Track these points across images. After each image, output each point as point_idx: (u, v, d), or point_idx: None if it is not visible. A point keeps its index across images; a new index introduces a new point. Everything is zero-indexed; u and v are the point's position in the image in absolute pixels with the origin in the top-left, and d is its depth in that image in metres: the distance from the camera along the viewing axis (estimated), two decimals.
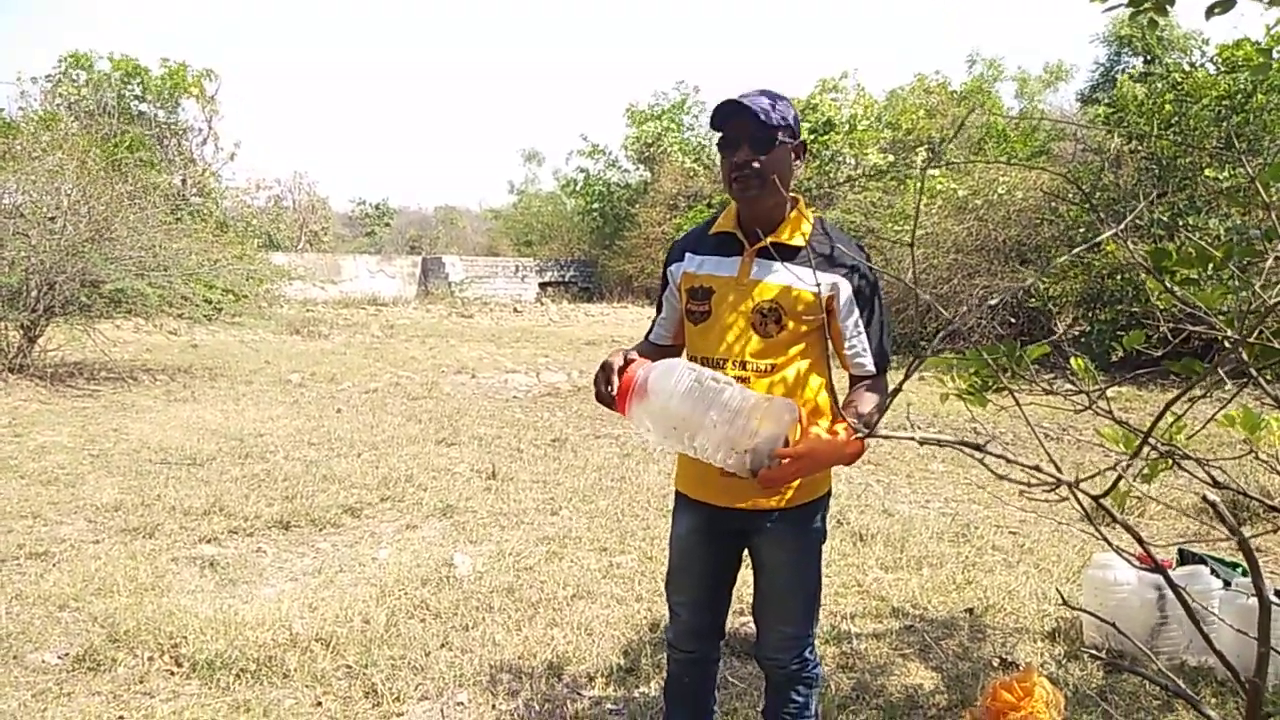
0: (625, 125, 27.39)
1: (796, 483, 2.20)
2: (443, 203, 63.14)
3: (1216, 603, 3.19)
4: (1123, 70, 19.98)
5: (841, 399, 2.11)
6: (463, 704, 3.08)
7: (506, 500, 5.56)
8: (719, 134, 2.05)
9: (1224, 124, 10.88)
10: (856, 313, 2.04)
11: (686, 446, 1.84)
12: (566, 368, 12.35)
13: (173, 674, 3.25)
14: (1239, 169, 10.70)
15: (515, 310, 22.71)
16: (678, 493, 2.33)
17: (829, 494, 2.21)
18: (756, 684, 3.15)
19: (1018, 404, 1.92)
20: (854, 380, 2.10)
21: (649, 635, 3.52)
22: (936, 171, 14.21)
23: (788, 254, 2.04)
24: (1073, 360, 2.38)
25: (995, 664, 3.28)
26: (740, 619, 3.39)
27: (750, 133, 1.97)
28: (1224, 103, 10.89)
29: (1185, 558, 3.86)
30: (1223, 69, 10.99)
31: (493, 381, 11.09)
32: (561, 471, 6.35)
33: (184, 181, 24.20)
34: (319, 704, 3.09)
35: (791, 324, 2.03)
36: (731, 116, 2.00)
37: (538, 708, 3.01)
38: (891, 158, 20.94)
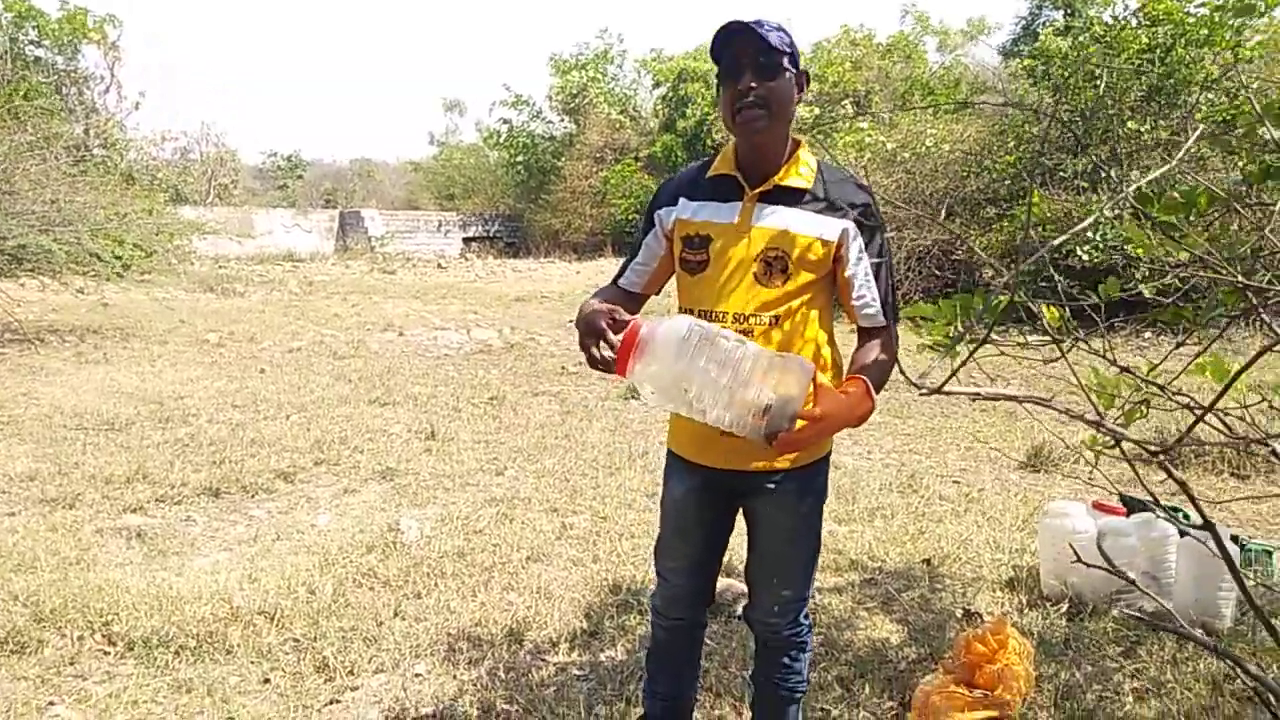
0: (549, 75, 26.90)
1: None
2: (358, 155, 61.34)
3: (1172, 549, 3.24)
4: (1044, 24, 20.26)
5: (846, 354, 2.02)
6: (421, 675, 2.95)
7: (449, 461, 5.40)
8: (717, 64, 1.90)
9: (1144, 77, 11.08)
10: (866, 260, 1.92)
11: (694, 410, 1.70)
12: (497, 324, 12.12)
13: (106, 654, 3.05)
14: (1160, 122, 10.94)
15: (439, 266, 22.21)
16: (671, 454, 2.20)
17: (830, 450, 2.11)
18: (730, 644, 3.10)
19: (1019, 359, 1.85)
20: (862, 333, 1.97)
21: (610, 597, 3.43)
22: (865, 124, 14.24)
23: (792, 197, 1.91)
24: (1044, 310, 2.35)
25: (959, 615, 3.28)
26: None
27: (754, 58, 1.83)
28: (1144, 56, 11.08)
29: (1129, 503, 3.92)
30: (1144, 22, 11.16)
31: (422, 339, 10.81)
32: (503, 430, 6.20)
33: (87, 132, 22.92)
34: (267, 680, 2.93)
35: (797, 273, 1.90)
36: (733, 40, 1.85)
37: (502, 675, 2.90)
38: (817, 110, 20.93)
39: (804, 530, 2.06)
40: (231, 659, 3.04)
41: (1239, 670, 1.60)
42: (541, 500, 4.64)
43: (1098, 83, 11.51)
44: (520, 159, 27.00)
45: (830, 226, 1.89)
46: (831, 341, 2.02)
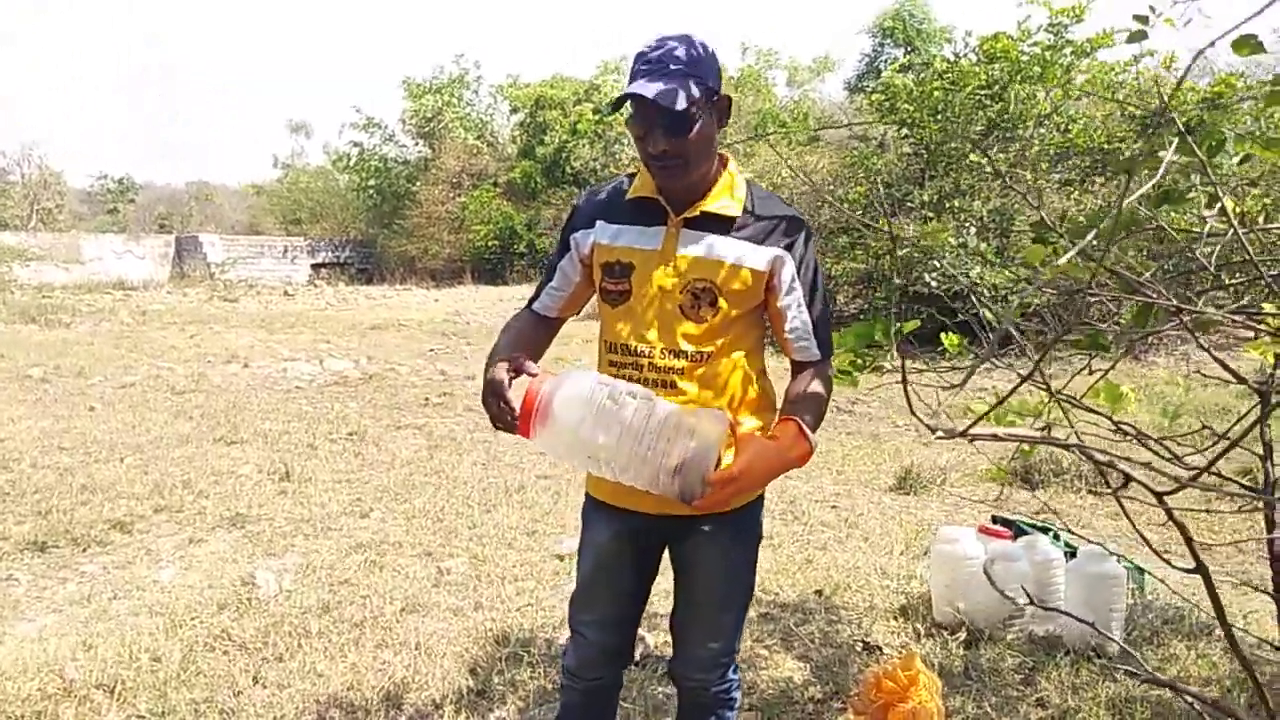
0: (403, 99, 26.16)
1: None
2: (195, 178, 58.43)
3: (1060, 572, 3.27)
4: (886, 61, 21.23)
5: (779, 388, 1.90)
6: None
7: (307, 504, 5.01)
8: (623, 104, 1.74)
9: (984, 111, 11.69)
10: (799, 290, 1.79)
11: (605, 472, 1.57)
12: (353, 354, 11.59)
13: None
14: (999, 154, 11.55)
15: (286, 294, 21.21)
16: (591, 498, 2.03)
17: (763, 492, 1.95)
18: (643, 703, 2.92)
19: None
20: (795, 366, 1.85)
21: (496, 650, 3.19)
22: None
23: (721, 224, 1.76)
24: (945, 338, 2.31)
25: (859, 648, 3.21)
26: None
27: (662, 122, 1.66)
28: (983, 91, 11.70)
29: (999, 524, 3.97)
30: (982, 59, 11.79)
31: (269, 371, 10.20)
32: (365, 468, 5.84)
33: None
34: None
35: (726, 305, 1.76)
36: (637, 108, 1.69)
37: None
38: None
39: (737, 577, 1.91)
40: None
41: (1183, 696, 1.55)
42: (413, 544, 4.34)
43: (939, 117, 12.07)
44: (372, 183, 26.19)
45: (760, 255, 1.76)
46: (764, 374, 1.89)
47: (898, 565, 4.09)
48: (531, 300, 1.98)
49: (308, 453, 6.25)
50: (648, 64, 1.66)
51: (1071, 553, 3.45)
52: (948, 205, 11.78)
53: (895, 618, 3.48)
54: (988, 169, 11.22)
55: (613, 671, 2.08)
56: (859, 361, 2.20)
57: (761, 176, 13.65)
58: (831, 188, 13.23)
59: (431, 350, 12.34)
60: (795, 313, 1.79)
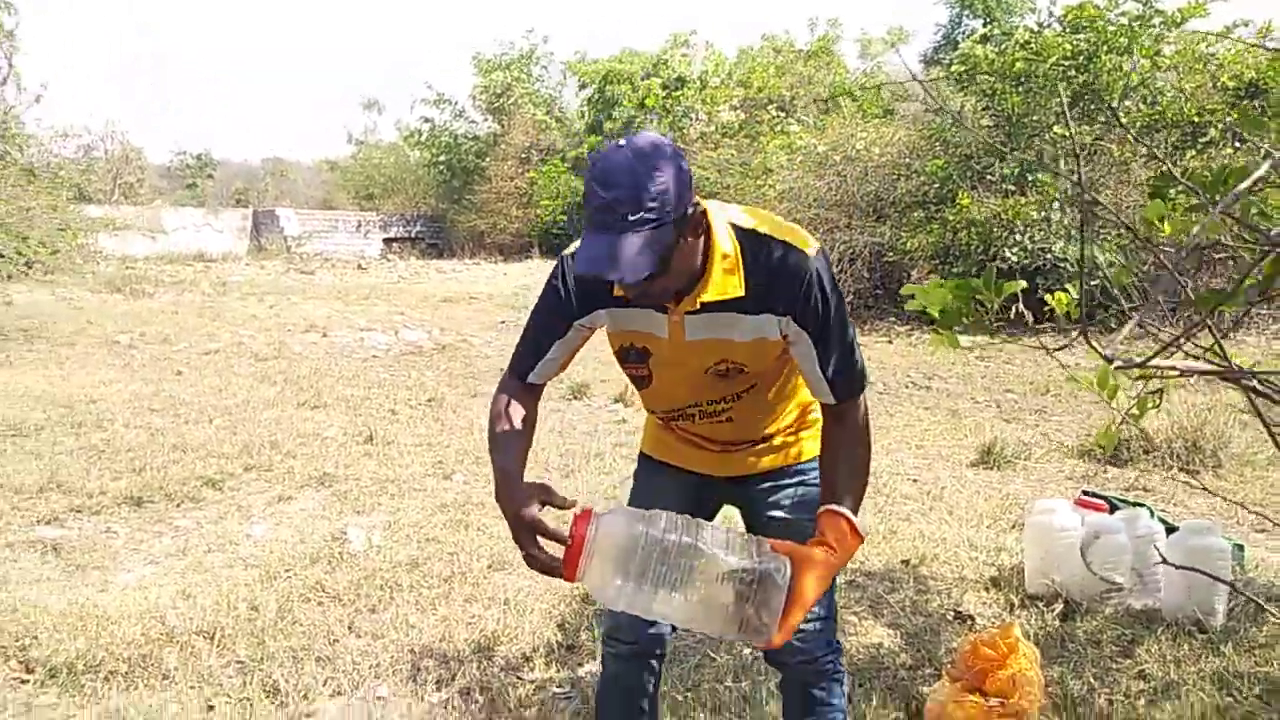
0: (473, 74, 26.27)
1: (804, 437, 1.93)
2: (270, 154, 59.55)
3: (1162, 545, 3.17)
4: (963, 33, 20.68)
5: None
6: (384, 698, 2.70)
7: (391, 466, 5.10)
8: None
9: (1069, 83, 11.31)
10: (810, 347, 1.64)
11: (656, 613, 1.46)
12: (426, 325, 11.74)
13: (24, 682, 2.73)
14: (1083, 127, 11.18)
15: (360, 267, 21.53)
16: (645, 455, 2.02)
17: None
18: (705, 693, 2.91)
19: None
20: (823, 408, 1.72)
21: (583, 607, 3.21)
22: (796, 126, 14.27)
23: (723, 306, 1.63)
24: (1054, 298, 2.22)
25: (950, 618, 3.16)
26: None
27: (617, 283, 1.54)
28: (1068, 62, 11.31)
29: (1108, 500, 3.86)
30: (1067, 29, 11.40)
31: (347, 340, 10.39)
32: (445, 433, 5.92)
33: None
34: (210, 707, 2.65)
35: (751, 368, 1.73)
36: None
37: (476, 696, 2.66)
38: (743, 115, 20.99)
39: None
40: (169, 685, 2.74)
41: None
42: (496, 506, 4.37)
43: (1022, 88, 11.72)
44: (443, 159, 26.37)
45: (770, 325, 1.64)
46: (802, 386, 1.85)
47: (986, 538, 4.00)
48: (522, 371, 1.77)
49: (389, 417, 6.36)
50: (599, 211, 1.45)
51: (1170, 529, 3.34)
52: (1030, 179, 11.45)
53: (986, 589, 3.41)
54: (1071, 143, 10.85)
55: (650, 638, 1.96)
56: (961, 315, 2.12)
57: (835, 148, 13.43)
58: (908, 160, 12.94)
59: (502, 322, 12.43)
60: (810, 367, 1.66)
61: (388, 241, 25.84)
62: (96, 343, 9.40)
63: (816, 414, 1.86)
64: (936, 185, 12.32)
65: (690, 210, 1.50)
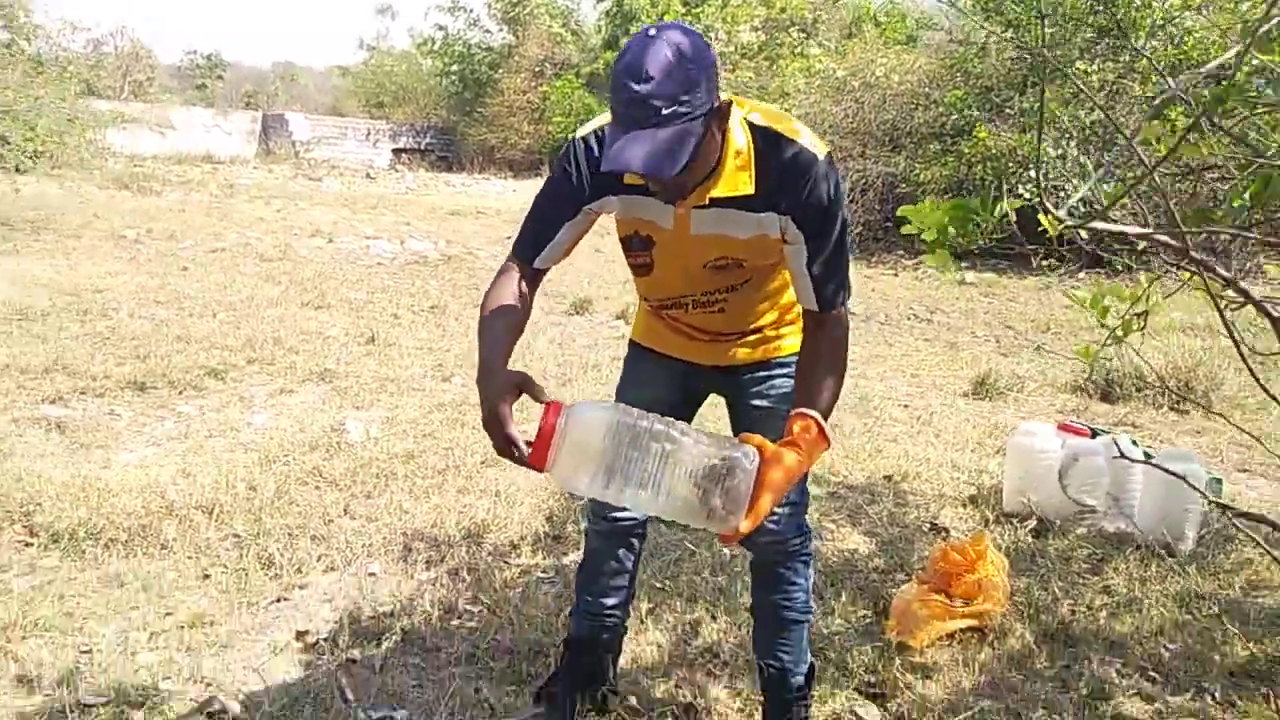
0: None
1: (787, 333, 1.97)
2: (281, 58, 58.68)
3: (1139, 471, 3.24)
4: None
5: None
6: (375, 574, 2.80)
7: (391, 366, 5.17)
8: None
9: (1095, 18, 11.07)
10: (803, 249, 1.66)
11: (625, 499, 1.48)
12: (432, 236, 11.72)
13: (28, 545, 2.83)
14: (1107, 63, 10.98)
15: (368, 176, 21.37)
16: (635, 344, 2.08)
17: None
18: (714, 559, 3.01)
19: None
20: (806, 315, 1.74)
21: (569, 502, 3.30)
22: (817, 50, 14.02)
23: (731, 202, 1.65)
24: (1044, 218, 2.24)
25: (926, 529, 3.25)
26: None
27: (648, 177, 1.53)
28: None
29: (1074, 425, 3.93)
30: None
31: (353, 247, 10.39)
32: (446, 338, 5.98)
33: None
34: (206, 576, 2.75)
35: (750, 263, 1.77)
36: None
37: (464, 576, 2.77)
38: (764, 36, 20.58)
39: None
40: (167, 554, 2.84)
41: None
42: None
43: (1048, 20, 11.47)
44: (455, 69, 25.94)
45: (772, 223, 1.66)
46: None
47: (969, 460, 4.08)
48: (528, 255, 1.77)
49: (391, 321, 6.42)
50: (631, 105, 1.43)
51: (1150, 458, 3.41)
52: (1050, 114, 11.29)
53: (964, 505, 3.50)
54: (1094, 78, 10.68)
55: (631, 517, 2.04)
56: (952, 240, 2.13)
57: (854, 73, 13.21)
58: (927, 90, 12.74)
59: (508, 237, 12.27)
60: (799, 270, 1.68)
61: (397, 152, 25.60)
62: (103, 236, 9.42)
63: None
64: (955, 117, 12.15)
65: (717, 104, 1.50)
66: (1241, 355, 1.98)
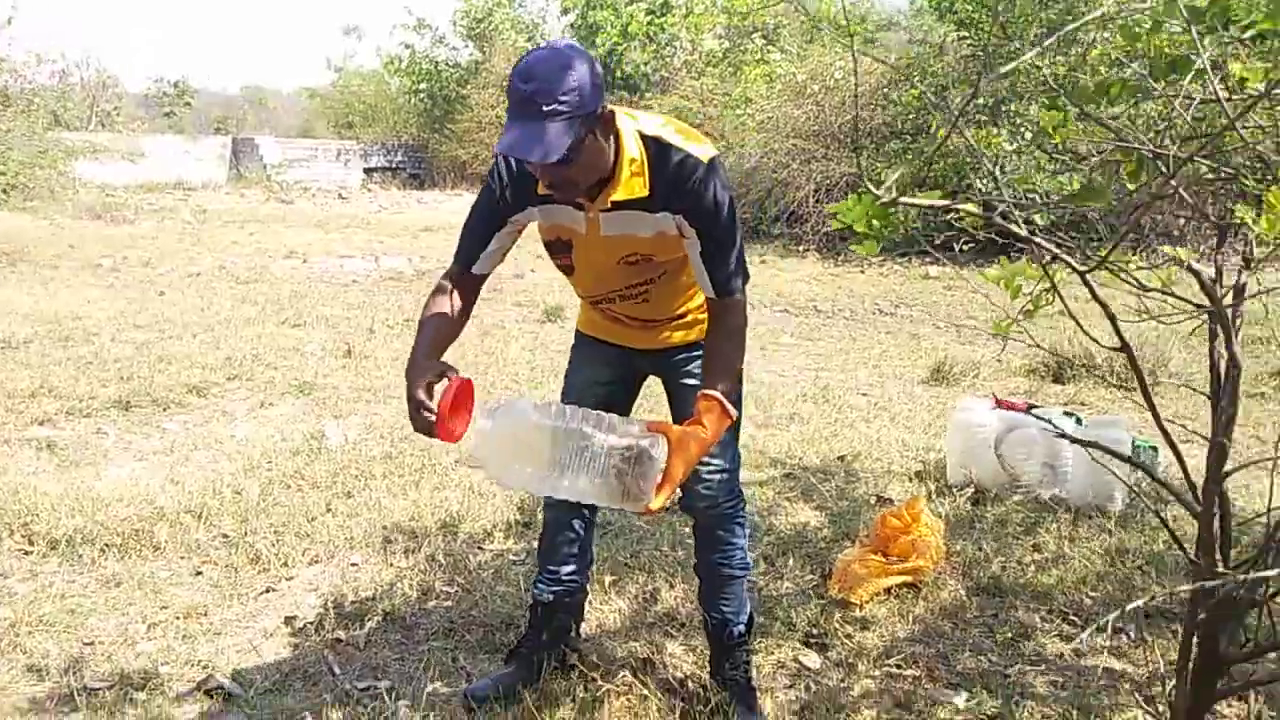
0: None
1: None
2: (249, 82, 58.64)
3: (1068, 444, 3.47)
4: None
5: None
6: (357, 564, 3.00)
7: (368, 377, 5.36)
8: None
9: (1045, 13, 11.41)
10: (697, 244, 1.89)
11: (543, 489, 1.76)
12: (406, 253, 11.90)
13: (27, 553, 3.00)
14: (1058, 58, 11.30)
15: (340, 197, 21.50)
16: (581, 333, 2.31)
17: None
18: (660, 528, 3.22)
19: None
20: (707, 302, 1.97)
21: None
22: (778, 55, 14.29)
23: (631, 204, 1.87)
24: (965, 210, 2.47)
25: (873, 501, 3.47)
26: None
27: (537, 166, 1.74)
28: None
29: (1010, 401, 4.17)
30: None
31: (327, 266, 10.56)
32: None
33: None
34: (199, 573, 2.94)
35: (661, 259, 1.98)
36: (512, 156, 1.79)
37: (440, 560, 2.97)
38: (727, 44, 20.89)
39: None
40: (160, 555, 3.02)
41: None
42: None
43: (1000, 18, 11.79)
44: (423, 86, 26.11)
45: (668, 221, 1.89)
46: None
47: (918, 440, 4.31)
48: (467, 261, 2.01)
49: (367, 335, 6.59)
50: (520, 103, 1.64)
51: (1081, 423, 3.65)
52: (1004, 109, 11.61)
53: (910, 479, 3.73)
54: (1044, 73, 10.98)
55: None
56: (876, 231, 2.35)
57: (814, 77, 13.50)
58: (885, 90, 13.05)
59: None
60: (695, 261, 1.91)
61: (368, 171, 25.73)
62: (79, 265, 9.55)
63: None
64: (913, 116, 12.46)
65: (600, 110, 1.72)
66: (1118, 336, 2.20)
